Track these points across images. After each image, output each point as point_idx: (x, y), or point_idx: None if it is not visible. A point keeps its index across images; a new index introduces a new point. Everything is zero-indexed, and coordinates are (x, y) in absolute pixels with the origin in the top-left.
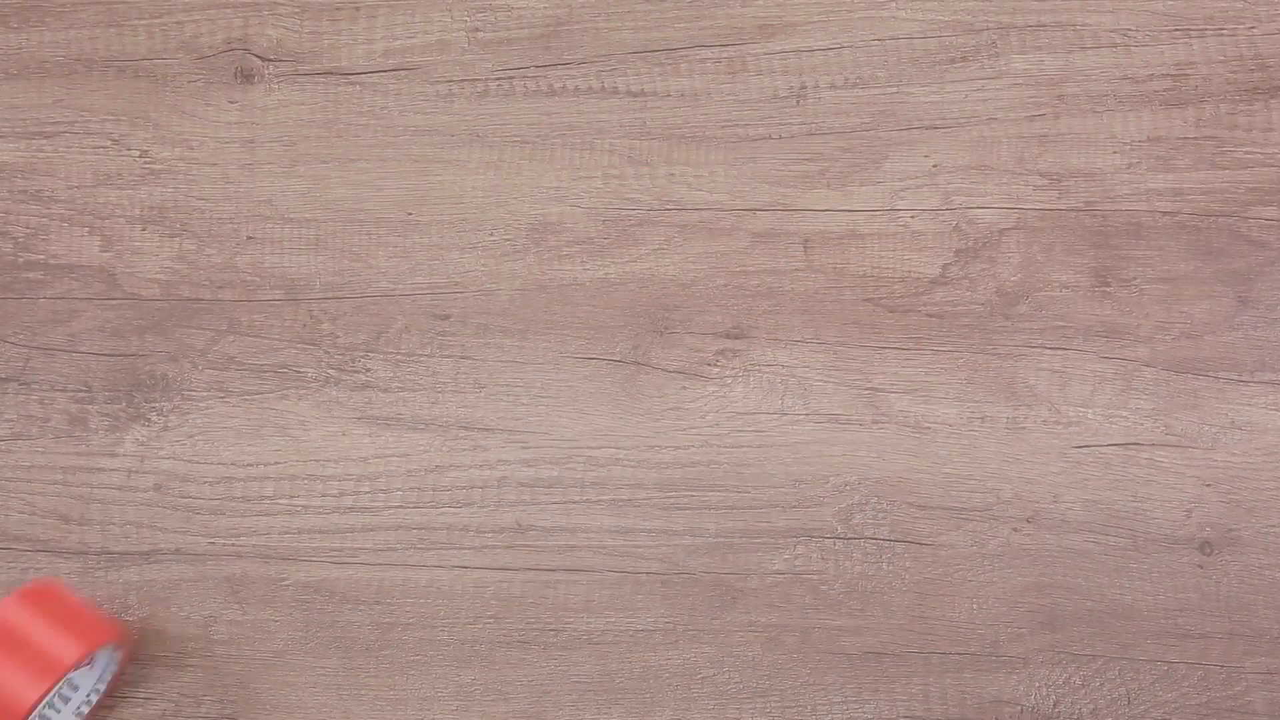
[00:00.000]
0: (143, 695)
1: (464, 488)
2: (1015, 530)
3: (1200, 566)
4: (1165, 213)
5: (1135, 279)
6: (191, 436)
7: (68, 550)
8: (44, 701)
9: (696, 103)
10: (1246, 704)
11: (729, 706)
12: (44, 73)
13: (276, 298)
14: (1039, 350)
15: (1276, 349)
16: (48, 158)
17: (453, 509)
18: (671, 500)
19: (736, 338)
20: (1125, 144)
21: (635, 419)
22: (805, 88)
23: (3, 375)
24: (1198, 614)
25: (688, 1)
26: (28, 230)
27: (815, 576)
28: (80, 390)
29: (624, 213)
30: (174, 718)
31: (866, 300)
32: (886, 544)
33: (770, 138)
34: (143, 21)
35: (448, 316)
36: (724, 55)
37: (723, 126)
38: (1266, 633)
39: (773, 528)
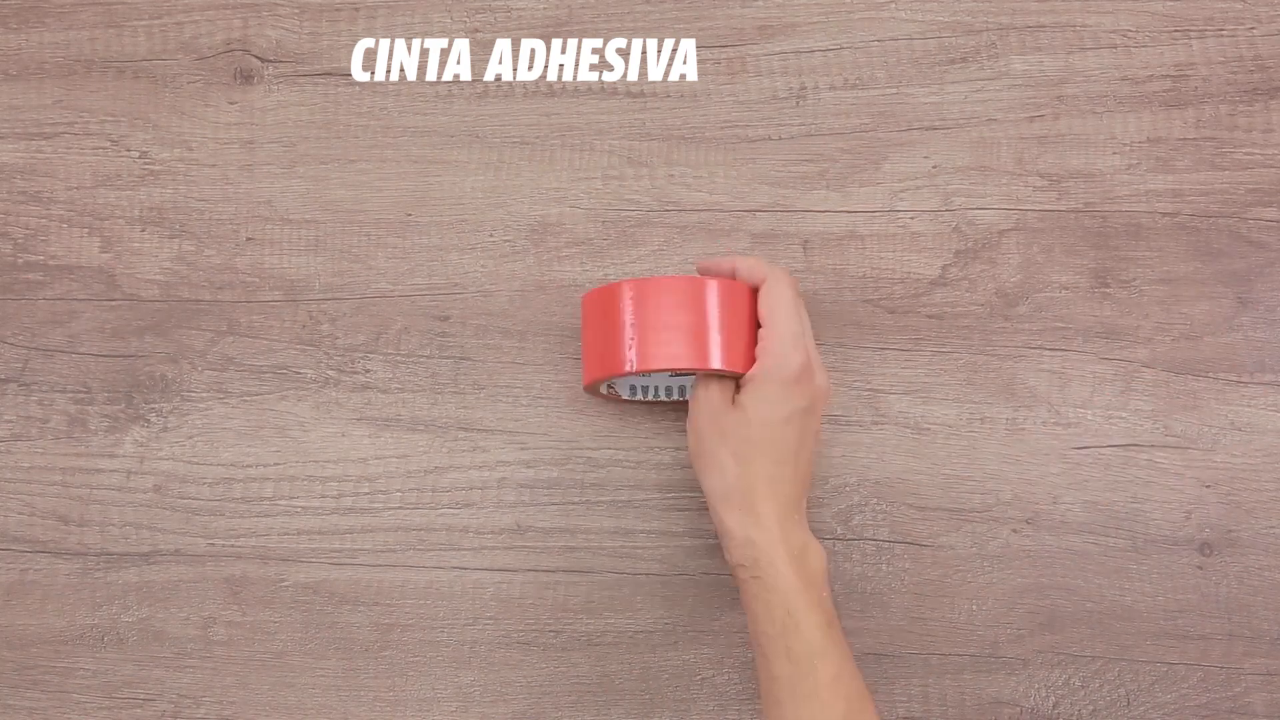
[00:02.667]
0: (143, 695)
1: (463, 489)
2: (1015, 531)
3: (1200, 567)
4: (1165, 214)
5: (1135, 280)
6: (191, 437)
7: (67, 551)
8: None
9: (696, 103)
10: (1246, 705)
11: (729, 707)
12: (44, 73)
13: (276, 298)
14: (1038, 351)
15: (1276, 350)
16: (47, 158)
17: (452, 510)
18: (671, 501)
19: None
20: (1125, 145)
21: (635, 420)
22: (805, 88)
23: (2, 376)
24: (1197, 615)
25: (688, 2)
26: (27, 231)
27: None
28: (80, 391)
29: (624, 213)
30: (174, 718)
31: (866, 301)
32: (886, 545)
33: (770, 138)
34: (142, 22)
35: (447, 317)
36: (724, 56)
37: (722, 127)
38: (1266, 634)
39: None
